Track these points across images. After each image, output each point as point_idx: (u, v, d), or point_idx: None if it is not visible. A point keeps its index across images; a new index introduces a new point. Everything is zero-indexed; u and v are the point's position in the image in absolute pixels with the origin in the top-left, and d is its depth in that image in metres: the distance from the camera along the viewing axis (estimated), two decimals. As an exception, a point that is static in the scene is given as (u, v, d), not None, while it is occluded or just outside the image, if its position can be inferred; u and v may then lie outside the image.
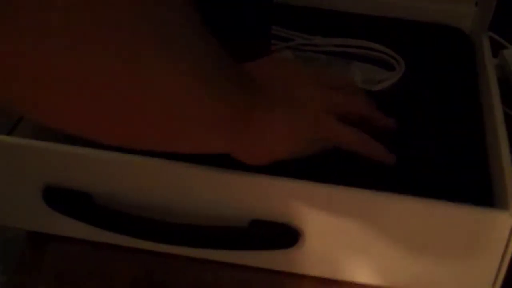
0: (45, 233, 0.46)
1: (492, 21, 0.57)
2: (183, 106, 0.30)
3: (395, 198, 0.39)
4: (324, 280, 0.44)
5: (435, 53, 0.57)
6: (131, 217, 0.42)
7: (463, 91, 0.52)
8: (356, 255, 0.42)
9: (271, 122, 0.38)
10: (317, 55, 0.55)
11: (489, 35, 0.57)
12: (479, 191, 0.43)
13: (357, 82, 0.52)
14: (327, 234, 0.41)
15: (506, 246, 0.39)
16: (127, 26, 0.24)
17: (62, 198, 0.43)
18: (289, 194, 0.40)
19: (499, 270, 0.40)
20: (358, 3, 0.61)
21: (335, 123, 0.42)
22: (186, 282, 0.44)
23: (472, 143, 0.47)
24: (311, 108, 0.41)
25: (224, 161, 0.40)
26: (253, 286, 0.44)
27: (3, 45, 0.22)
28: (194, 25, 0.29)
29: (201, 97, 0.30)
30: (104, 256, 0.46)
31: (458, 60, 0.56)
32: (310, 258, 0.43)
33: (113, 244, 0.45)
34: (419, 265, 0.42)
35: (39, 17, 0.22)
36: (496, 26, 0.61)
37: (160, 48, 0.27)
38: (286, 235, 0.41)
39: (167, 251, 0.45)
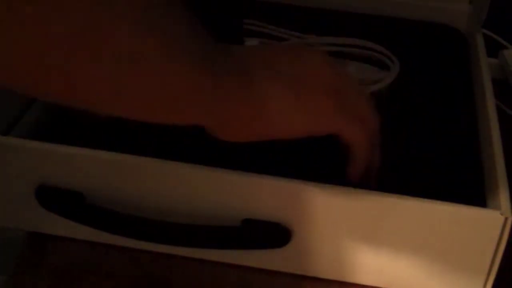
0: (45, 233, 0.47)
1: (492, 21, 0.57)
2: (161, 74, 0.31)
3: (387, 198, 0.39)
4: (324, 280, 0.44)
5: (430, 51, 0.57)
6: (123, 216, 0.42)
7: (457, 90, 0.52)
8: (349, 255, 0.42)
9: (256, 98, 0.36)
10: None
11: (489, 35, 0.57)
12: (472, 191, 0.44)
13: None
14: (320, 234, 0.42)
15: (497, 245, 0.39)
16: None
17: (54, 198, 0.43)
18: (282, 193, 0.40)
19: (490, 268, 0.40)
20: (352, 1, 0.61)
21: (343, 114, 0.38)
22: (185, 281, 0.45)
23: (465, 142, 0.48)
24: (317, 90, 0.38)
25: (217, 160, 0.41)
26: (252, 286, 0.45)
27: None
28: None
29: (177, 65, 0.31)
30: (103, 256, 0.46)
31: (453, 59, 0.56)
32: (302, 257, 0.43)
33: (112, 244, 0.46)
34: (411, 264, 0.42)
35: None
36: (496, 26, 0.61)
37: (138, 18, 0.29)
38: (278, 234, 0.41)
39: (164, 251, 0.45)
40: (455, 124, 0.49)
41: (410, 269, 0.42)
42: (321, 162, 0.45)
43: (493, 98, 0.48)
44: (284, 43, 0.41)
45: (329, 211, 0.40)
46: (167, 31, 0.31)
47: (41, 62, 0.27)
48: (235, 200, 0.41)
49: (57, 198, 0.43)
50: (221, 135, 0.37)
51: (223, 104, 0.35)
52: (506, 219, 0.38)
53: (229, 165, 0.40)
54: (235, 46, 0.38)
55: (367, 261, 0.42)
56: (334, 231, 0.41)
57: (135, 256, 0.46)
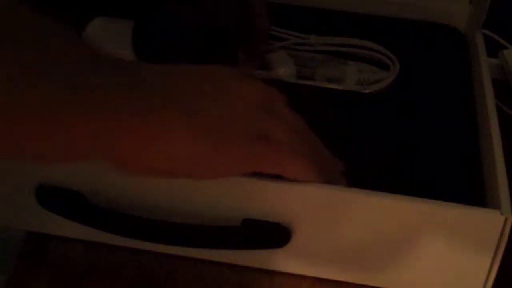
0: (45, 233, 0.47)
1: (492, 21, 0.57)
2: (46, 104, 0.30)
3: (387, 198, 0.39)
4: (323, 280, 0.44)
5: (430, 51, 0.57)
6: (123, 216, 0.42)
7: (457, 90, 0.53)
8: (349, 255, 0.42)
9: (158, 130, 0.33)
10: (312, 54, 0.55)
11: (489, 35, 0.57)
12: (472, 191, 0.44)
13: (352, 82, 0.52)
14: (320, 234, 0.41)
15: (498, 245, 0.39)
16: None
17: (54, 197, 0.43)
18: (282, 193, 0.40)
19: (490, 269, 0.40)
20: (352, 1, 0.61)
21: (264, 160, 0.36)
22: (185, 281, 0.45)
23: (465, 142, 0.48)
24: (239, 137, 0.35)
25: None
26: (252, 286, 0.45)
27: None
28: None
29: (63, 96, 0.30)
30: (103, 256, 0.46)
31: (453, 59, 0.56)
32: (302, 257, 0.43)
33: (112, 244, 0.46)
34: (411, 264, 0.42)
35: None
36: (496, 26, 0.61)
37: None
38: (278, 234, 0.41)
39: (164, 251, 0.45)
40: (455, 124, 0.49)
41: (410, 269, 0.42)
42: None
43: (493, 98, 0.48)
44: (215, 67, 0.38)
45: (329, 211, 0.40)
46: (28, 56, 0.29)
47: None
48: (235, 200, 0.41)
49: (57, 198, 0.43)
50: (116, 165, 0.34)
51: (113, 132, 0.32)
52: (506, 219, 0.38)
53: None
54: (153, 65, 0.35)
55: (367, 261, 0.42)
56: (334, 231, 0.41)
57: (135, 256, 0.46)
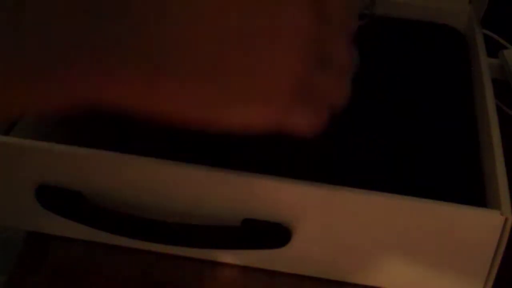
0: (45, 233, 0.47)
1: (492, 21, 0.57)
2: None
3: (387, 198, 0.39)
4: (324, 280, 0.44)
5: (430, 51, 0.57)
6: (123, 216, 0.42)
7: (457, 90, 0.53)
8: (349, 255, 0.42)
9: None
10: None
11: (489, 35, 0.57)
12: (472, 191, 0.44)
13: None
14: (320, 234, 0.42)
15: (498, 245, 0.40)
16: None
17: (54, 198, 0.43)
18: (282, 193, 0.40)
19: (490, 269, 0.40)
20: (352, 2, 0.61)
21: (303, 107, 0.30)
22: (185, 281, 0.45)
23: (465, 143, 0.48)
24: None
25: (218, 161, 0.41)
26: (252, 286, 0.45)
27: None
28: None
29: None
30: (103, 256, 0.46)
31: (453, 59, 0.56)
32: (302, 257, 0.43)
33: (112, 244, 0.46)
34: (411, 264, 0.42)
35: None
36: (496, 26, 0.61)
37: None
38: (278, 234, 0.41)
39: (164, 251, 0.45)
40: (455, 124, 0.49)
41: (410, 269, 0.42)
42: (322, 161, 0.45)
43: (493, 98, 0.48)
44: None
45: (329, 211, 0.40)
46: None
47: None
48: (235, 200, 0.41)
49: (57, 198, 0.43)
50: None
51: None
52: (506, 219, 0.39)
53: (229, 165, 0.40)
54: None
55: (367, 261, 0.42)
56: (334, 231, 0.41)
57: (135, 256, 0.46)
